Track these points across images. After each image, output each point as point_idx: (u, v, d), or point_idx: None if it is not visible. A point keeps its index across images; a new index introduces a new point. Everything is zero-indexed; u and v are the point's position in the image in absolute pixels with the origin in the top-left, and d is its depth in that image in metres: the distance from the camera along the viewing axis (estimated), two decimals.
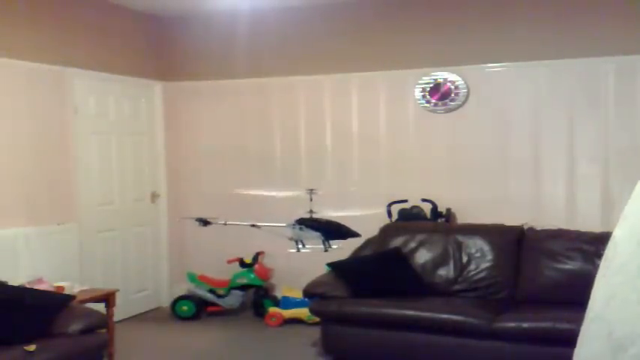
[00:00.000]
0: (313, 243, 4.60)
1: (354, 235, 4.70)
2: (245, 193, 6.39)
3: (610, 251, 1.66)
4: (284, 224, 4.63)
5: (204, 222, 4.73)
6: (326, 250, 4.60)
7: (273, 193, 6.26)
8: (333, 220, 4.76)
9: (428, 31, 5.85)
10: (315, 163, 6.29)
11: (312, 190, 4.77)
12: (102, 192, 5.93)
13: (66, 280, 4.96)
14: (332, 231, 4.52)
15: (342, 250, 5.41)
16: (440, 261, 5.10)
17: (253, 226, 4.82)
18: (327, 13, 6.08)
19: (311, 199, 4.71)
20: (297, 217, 4.65)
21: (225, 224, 4.83)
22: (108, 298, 4.90)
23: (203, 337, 5.67)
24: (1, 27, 4.99)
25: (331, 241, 4.60)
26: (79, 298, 4.58)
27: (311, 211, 4.59)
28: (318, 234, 4.48)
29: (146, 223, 6.46)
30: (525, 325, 4.27)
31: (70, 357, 3.88)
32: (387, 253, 5.18)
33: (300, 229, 4.45)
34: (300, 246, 4.58)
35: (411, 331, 4.54)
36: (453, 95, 5.78)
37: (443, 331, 4.46)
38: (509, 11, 5.62)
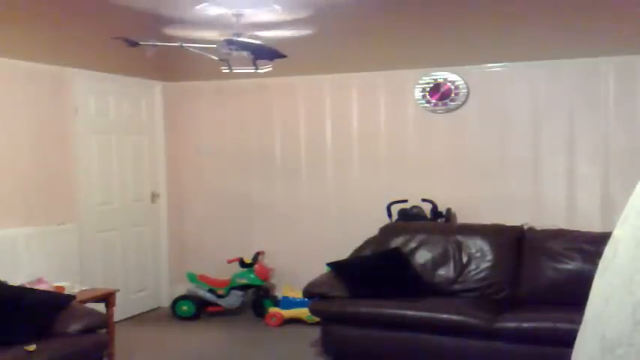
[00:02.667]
0: (243, 64, 4.57)
1: (281, 55, 4.63)
2: None
3: (609, 252, 1.66)
4: (214, 45, 4.55)
5: (133, 43, 4.57)
6: (256, 71, 4.58)
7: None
8: (262, 41, 4.66)
9: (428, 31, 5.84)
10: (315, 163, 6.29)
11: (239, 14, 4.56)
12: (102, 192, 5.93)
13: (66, 280, 4.96)
14: (260, 51, 4.49)
15: (341, 249, 5.43)
16: (440, 261, 5.10)
17: (182, 46, 4.67)
18: (327, 13, 6.07)
19: (238, 21, 4.58)
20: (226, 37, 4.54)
21: (154, 45, 4.64)
22: (108, 298, 4.90)
23: (203, 337, 5.67)
24: (0, 27, 4.99)
25: (260, 63, 4.58)
26: (79, 298, 4.58)
27: (238, 34, 4.50)
28: (247, 53, 4.45)
29: (146, 223, 6.46)
30: (525, 325, 4.28)
31: (70, 357, 3.88)
32: (387, 253, 5.18)
33: (230, 49, 4.40)
34: (230, 67, 4.56)
35: (411, 331, 4.55)
36: (453, 95, 5.78)
37: (443, 331, 4.46)
38: (509, 11, 5.62)
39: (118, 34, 5.49)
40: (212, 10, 4.49)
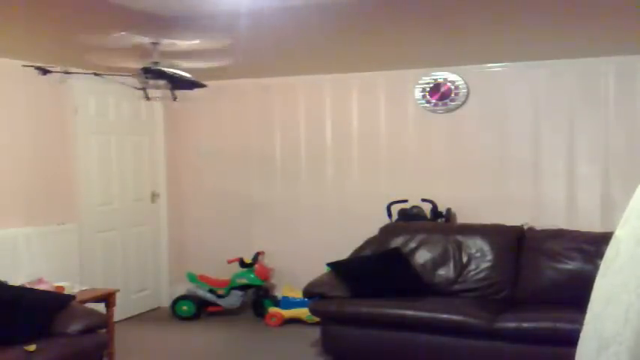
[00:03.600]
0: (161, 93, 4.60)
1: (200, 85, 4.67)
2: None
3: (612, 252, 1.67)
4: (129, 74, 4.60)
5: (44, 71, 4.58)
6: (174, 100, 4.61)
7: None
8: (180, 71, 4.70)
9: (428, 31, 5.84)
10: (315, 163, 6.29)
11: (156, 43, 4.60)
12: (102, 192, 5.93)
13: (66, 280, 4.96)
14: (178, 80, 4.54)
15: (341, 249, 5.43)
16: (440, 261, 5.10)
17: (96, 74, 4.72)
18: (327, 13, 6.08)
19: (155, 50, 4.62)
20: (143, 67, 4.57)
21: (66, 73, 4.67)
22: (108, 298, 4.90)
23: (203, 337, 5.67)
24: (1, 27, 4.99)
25: (178, 93, 4.62)
26: (79, 298, 4.58)
27: (156, 62, 4.54)
28: (164, 82, 4.49)
29: (146, 223, 6.46)
30: (525, 325, 4.28)
31: (70, 357, 3.88)
32: (387, 253, 5.18)
33: (147, 77, 4.45)
34: (148, 95, 4.59)
35: (411, 331, 4.55)
36: (453, 95, 5.78)
37: (443, 331, 4.46)
38: (510, 11, 5.62)
39: (117, 33, 5.48)
40: (130, 39, 4.51)
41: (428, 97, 5.85)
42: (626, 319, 1.51)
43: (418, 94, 5.89)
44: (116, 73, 4.71)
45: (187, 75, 4.58)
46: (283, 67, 6.30)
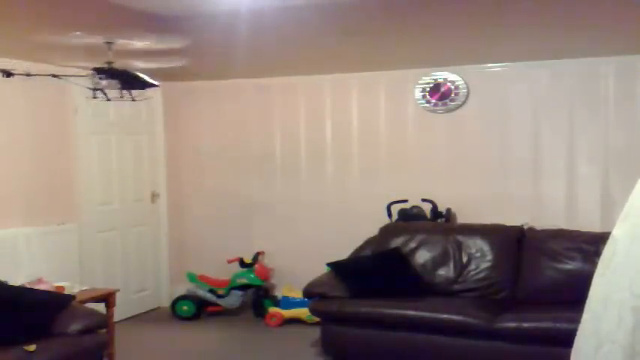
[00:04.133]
0: (115, 93, 4.61)
1: (152, 85, 4.67)
2: None
3: (609, 251, 1.67)
4: (84, 74, 4.59)
5: (7, 73, 4.59)
6: (133, 100, 4.61)
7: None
8: (133, 71, 4.68)
9: (428, 31, 5.84)
10: (315, 163, 6.29)
11: (110, 42, 4.61)
12: (102, 192, 5.94)
13: (66, 280, 4.96)
14: (130, 80, 4.54)
15: (341, 249, 5.43)
16: (440, 261, 5.10)
17: (54, 76, 4.73)
18: (327, 13, 6.08)
19: (110, 50, 4.61)
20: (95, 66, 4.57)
21: (28, 75, 4.67)
22: (108, 298, 4.90)
23: (203, 337, 5.67)
24: (1, 27, 4.99)
25: (134, 92, 4.62)
26: (79, 298, 4.58)
27: (109, 62, 4.54)
28: (116, 81, 4.49)
29: (146, 223, 6.46)
30: (525, 325, 4.28)
31: (70, 357, 3.88)
32: (387, 253, 5.18)
33: (100, 78, 4.45)
34: (102, 95, 4.59)
35: (411, 331, 4.55)
36: (453, 95, 5.78)
37: (443, 331, 4.46)
38: (510, 11, 5.61)
39: (117, 33, 5.49)
40: (84, 39, 4.52)
41: (428, 97, 5.85)
42: (620, 317, 1.52)
43: (418, 94, 5.89)
44: (75, 75, 4.71)
45: (140, 74, 4.59)
46: (283, 67, 6.30)
